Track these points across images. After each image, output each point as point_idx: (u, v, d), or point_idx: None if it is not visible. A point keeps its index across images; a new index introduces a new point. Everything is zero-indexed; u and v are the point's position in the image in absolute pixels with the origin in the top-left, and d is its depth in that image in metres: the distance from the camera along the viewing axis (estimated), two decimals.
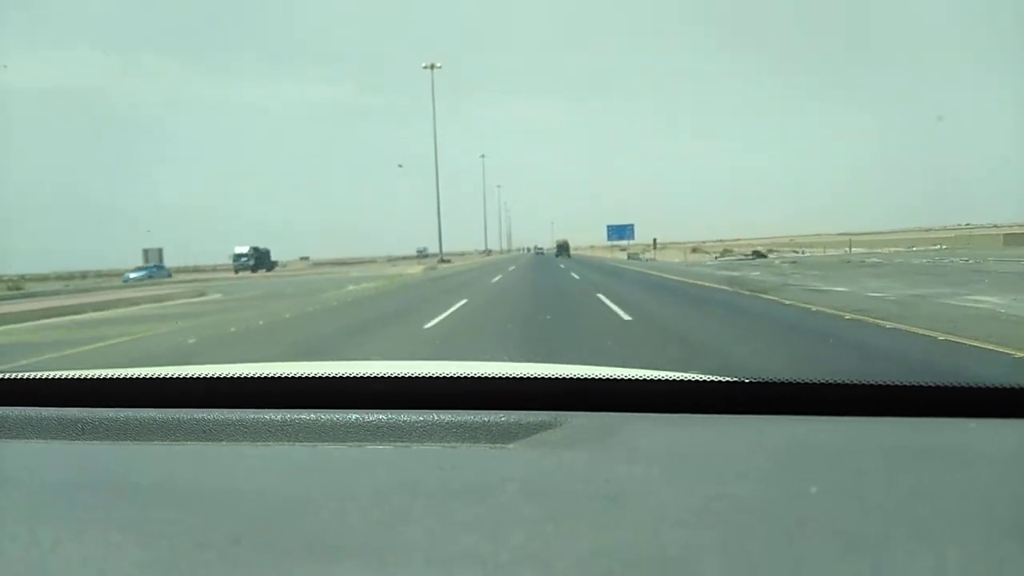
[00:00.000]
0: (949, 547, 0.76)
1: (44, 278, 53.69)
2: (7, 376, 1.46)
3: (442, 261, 61.64)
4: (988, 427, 1.13)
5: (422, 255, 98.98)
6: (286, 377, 1.36)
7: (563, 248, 77.90)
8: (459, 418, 1.22)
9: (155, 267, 54.94)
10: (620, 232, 70.73)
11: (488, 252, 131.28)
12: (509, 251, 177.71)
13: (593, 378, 1.33)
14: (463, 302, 15.04)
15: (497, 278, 26.61)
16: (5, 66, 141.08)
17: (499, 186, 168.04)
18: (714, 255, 52.70)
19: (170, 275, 53.10)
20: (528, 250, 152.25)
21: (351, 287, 24.51)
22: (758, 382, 1.26)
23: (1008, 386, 1.18)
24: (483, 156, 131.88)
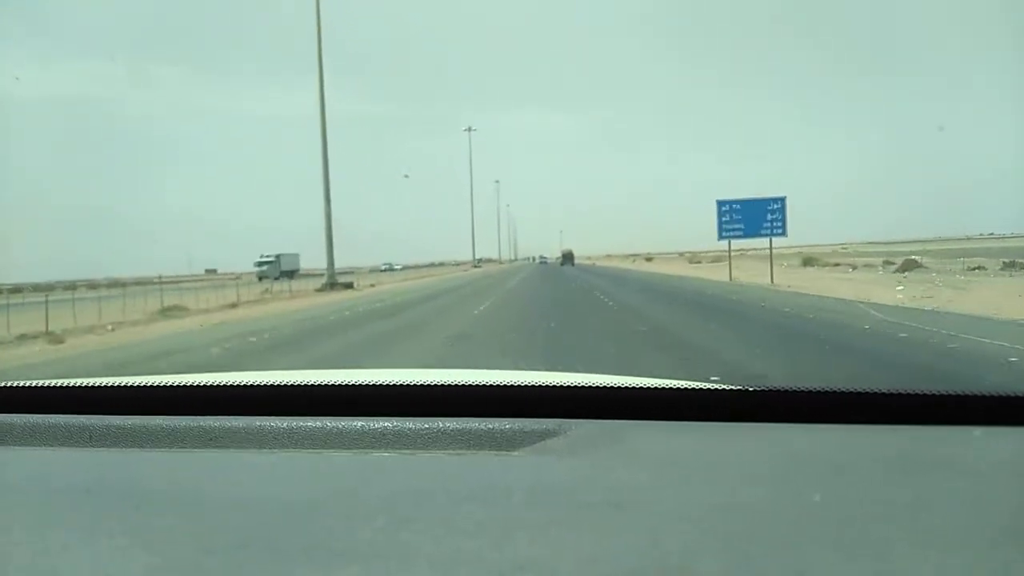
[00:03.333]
0: (952, 555, 0.75)
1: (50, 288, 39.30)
2: (13, 384, 1.45)
3: (331, 286, 32.63)
4: (993, 435, 1.12)
5: (269, 272, 50.10)
6: (292, 385, 1.35)
7: (568, 257, 78.21)
8: (464, 425, 1.20)
9: None
10: (753, 215, 26.99)
11: (478, 263, 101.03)
12: (514, 260, 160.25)
13: (597, 386, 1.30)
14: None
15: None
16: (17, 78, 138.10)
17: (498, 181, 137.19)
18: None
19: None
20: (533, 260, 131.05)
21: None
22: (763, 390, 1.25)
23: (1013, 394, 1.16)
24: (469, 129, 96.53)
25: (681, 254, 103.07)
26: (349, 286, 34.05)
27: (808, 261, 42.20)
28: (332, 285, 32.72)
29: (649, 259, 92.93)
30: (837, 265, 38.11)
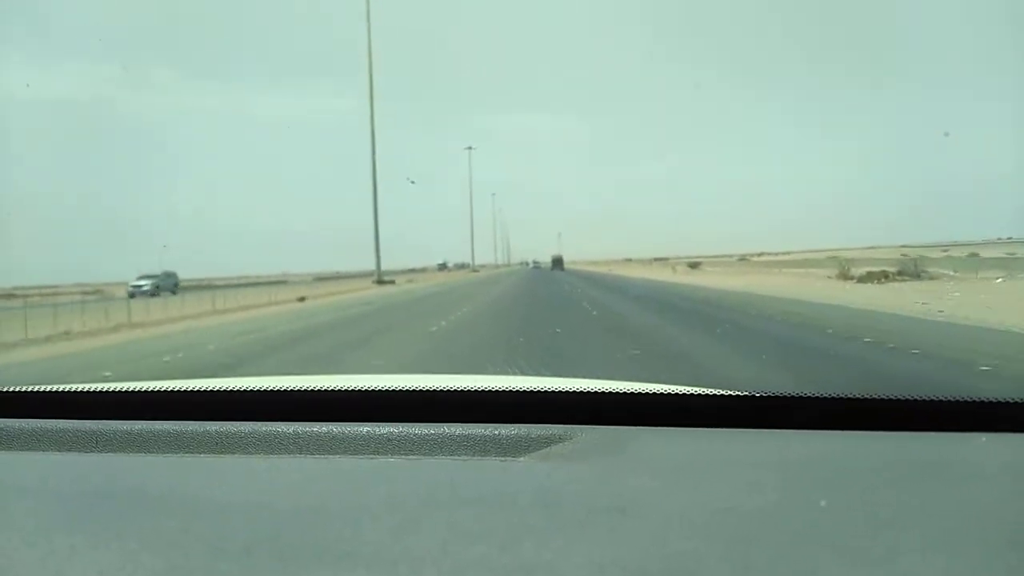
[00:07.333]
0: (958, 560, 0.76)
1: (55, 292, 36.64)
2: (22, 389, 1.45)
3: None
4: (999, 441, 1.12)
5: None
6: (298, 390, 1.35)
7: (557, 262, 76.88)
8: (470, 431, 1.21)
9: None
10: None
11: (427, 269, 74.17)
12: (501, 266, 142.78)
13: (602, 392, 1.31)
14: None
15: None
16: (28, 85, 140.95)
17: (472, 149, 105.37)
18: None
19: None
20: (526, 264, 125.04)
21: None
22: (768, 396, 1.24)
23: (1015, 401, 1.17)
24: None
25: (743, 258, 72.39)
26: None
27: None
28: None
29: (694, 265, 54.51)
30: None
